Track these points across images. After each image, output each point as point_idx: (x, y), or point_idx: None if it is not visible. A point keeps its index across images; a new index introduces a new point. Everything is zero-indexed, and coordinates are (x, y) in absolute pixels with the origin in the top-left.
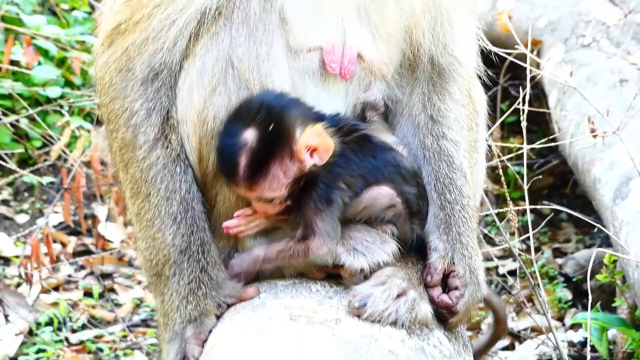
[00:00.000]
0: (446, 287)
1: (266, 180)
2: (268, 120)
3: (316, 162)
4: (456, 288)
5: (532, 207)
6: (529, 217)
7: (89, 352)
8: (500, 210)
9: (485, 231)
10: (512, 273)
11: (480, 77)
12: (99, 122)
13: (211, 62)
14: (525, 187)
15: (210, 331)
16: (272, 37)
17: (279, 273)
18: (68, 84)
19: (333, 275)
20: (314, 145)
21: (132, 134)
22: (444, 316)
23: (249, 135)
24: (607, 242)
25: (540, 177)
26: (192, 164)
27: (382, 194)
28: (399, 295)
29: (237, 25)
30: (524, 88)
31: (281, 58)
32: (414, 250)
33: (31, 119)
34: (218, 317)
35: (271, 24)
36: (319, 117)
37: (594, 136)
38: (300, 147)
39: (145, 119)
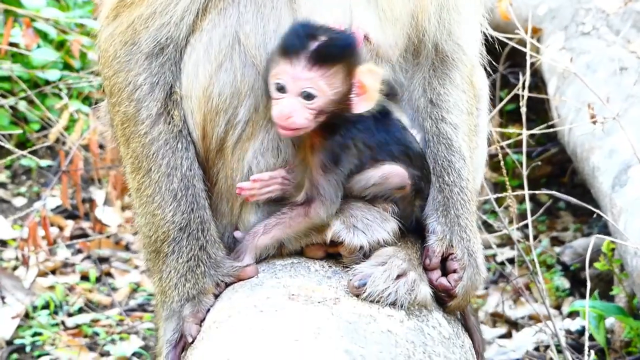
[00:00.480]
0: (445, 270)
1: (327, 71)
2: (351, 37)
3: (353, 104)
4: (454, 271)
5: (531, 192)
6: (528, 204)
7: (85, 336)
8: (499, 195)
9: (484, 217)
10: (510, 261)
11: (481, 64)
12: (97, 105)
13: (218, 37)
14: (525, 173)
15: (208, 310)
16: (280, 15)
17: (278, 252)
18: (67, 67)
19: (332, 255)
20: (364, 83)
21: (135, 108)
22: (443, 299)
23: (338, 32)
24: (605, 231)
25: (539, 164)
26: (194, 141)
27: (394, 174)
28: (399, 276)
29: (245, 1)
30: (524, 75)
31: None
32: (413, 232)
33: (30, 102)
34: (216, 296)
35: (279, 1)
36: None
37: (594, 122)
38: (358, 75)
39: (148, 94)
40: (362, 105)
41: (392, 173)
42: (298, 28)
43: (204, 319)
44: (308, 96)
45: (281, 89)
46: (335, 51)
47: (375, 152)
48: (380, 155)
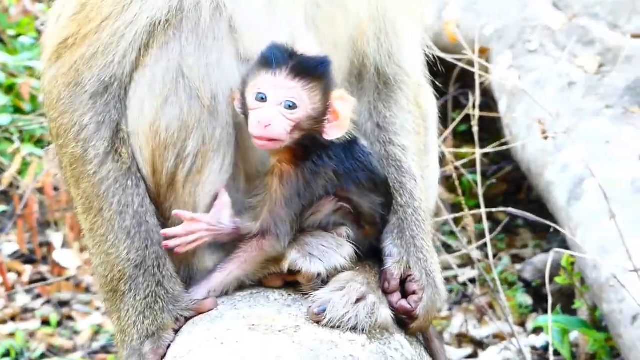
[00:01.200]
0: (404, 293)
1: (308, 84)
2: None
3: (325, 130)
4: (414, 292)
5: (488, 210)
6: (485, 223)
7: None
8: (456, 215)
9: (444, 239)
10: (472, 281)
11: (428, 83)
12: (49, 147)
13: (161, 72)
14: (480, 191)
15: (169, 346)
16: (222, 46)
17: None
18: (17, 110)
19: (291, 283)
20: (337, 110)
21: (82, 149)
22: (404, 322)
23: (313, 55)
24: (563, 245)
25: (495, 182)
26: (145, 177)
27: (327, 199)
28: (358, 300)
29: (186, 34)
30: (474, 95)
31: (232, 66)
32: (371, 255)
33: None
34: (176, 331)
35: (220, 32)
36: None
37: (545, 137)
38: (333, 99)
39: (94, 133)
40: (333, 132)
41: (324, 200)
42: (278, 46)
43: (164, 355)
44: (289, 106)
45: (262, 99)
46: (316, 66)
47: (343, 181)
48: (347, 183)
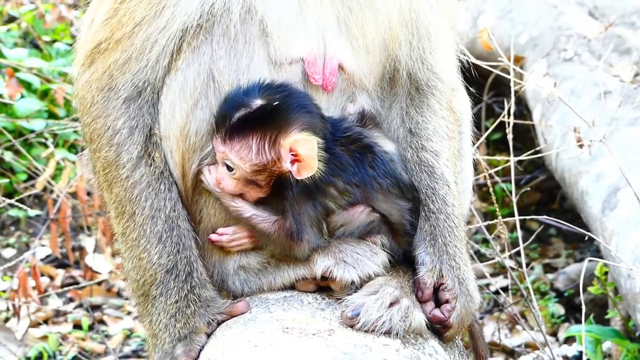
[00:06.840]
0: (438, 301)
1: (237, 145)
2: (278, 100)
3: (293, 172)
4: (447, 301)
5: (522, 217)
6: (519, 231)
7: None
8: (490, 222)
9: (477, 246)
10: (504, 290)
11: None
12: (83, 152)
13: (193, 75)
14: (514, 199)
15: (202, 349)
16: (253, 49)
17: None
18: (52, 115)
19: (324, 287)
20: (298, 152)
21: (115, 153)
22: (438, 331)
23: (256, 102)
24: (597, 255)
25: (528, 189)
26: (176, 180)
27: (358, 211)
28: (391, 304)
29: (217, 38)
30: (508, 103)
31: (263, 70)
32: (404, 261)
33: (15, 152)
34: (208, 335)
35: (252, 36)
36: (322, 128)
37: (581, 146)
38: (286, 145)
39: (128, 137)
40: (303, 172)
41: (356, 211)
42: (228, 98)
43: (197, 357)
44: (228, 167)
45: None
46: (240, 126)
47: (364, 189)
48: (369, 191)
